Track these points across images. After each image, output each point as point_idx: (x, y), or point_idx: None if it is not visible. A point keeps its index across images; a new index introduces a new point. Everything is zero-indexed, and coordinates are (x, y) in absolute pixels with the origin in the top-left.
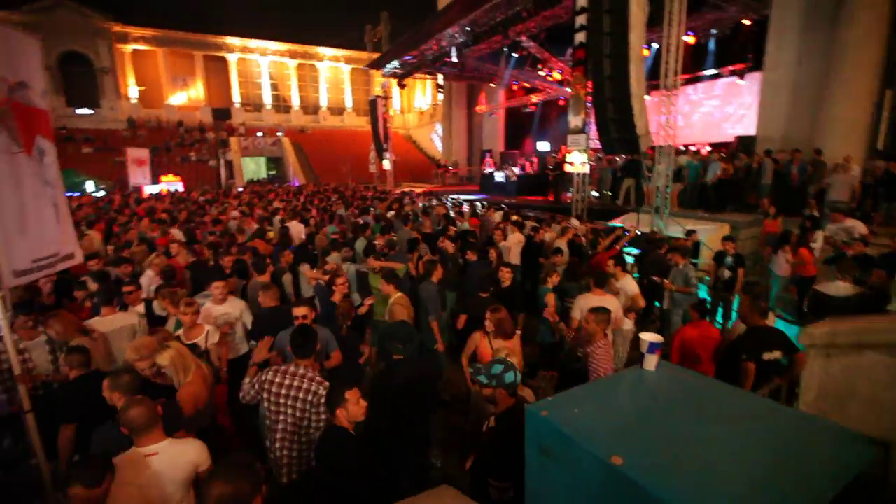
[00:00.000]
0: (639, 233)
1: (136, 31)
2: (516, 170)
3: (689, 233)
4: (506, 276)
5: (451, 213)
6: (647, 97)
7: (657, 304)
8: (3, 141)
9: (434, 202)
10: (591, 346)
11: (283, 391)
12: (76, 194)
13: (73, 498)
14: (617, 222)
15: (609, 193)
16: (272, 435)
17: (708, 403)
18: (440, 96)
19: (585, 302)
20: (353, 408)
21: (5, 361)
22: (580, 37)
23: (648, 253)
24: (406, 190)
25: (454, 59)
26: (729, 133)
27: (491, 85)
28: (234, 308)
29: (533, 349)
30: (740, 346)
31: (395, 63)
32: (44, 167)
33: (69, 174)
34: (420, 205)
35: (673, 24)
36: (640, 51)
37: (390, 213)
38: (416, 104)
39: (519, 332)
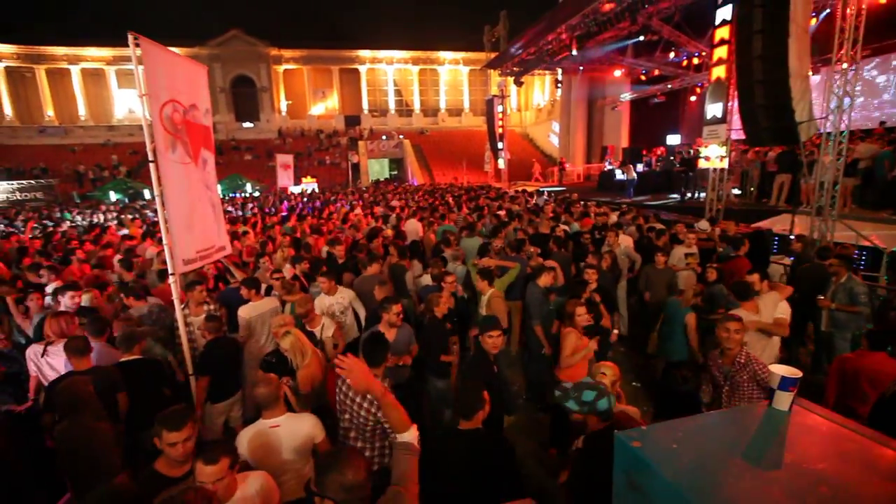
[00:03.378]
0: (792, 237)
1: (287, 53)
2: (639, 166)
3: None
4: (592, 278)
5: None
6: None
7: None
8: (179, 154)
9: (545, 200)
10: (742, 358)
11: (350, 393)
12: (239, 195)
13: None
14: (764, 225)
15: (754, 191)
16: (346, 433)
17: (860, 466)
18: (559, 92)
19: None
20: (488, 406)
21: (177, 329)
22: (724, 13)
23: (802, 261)
24: (519, 189)
25: (574, 52)
26: None
27: (615, 74)
28: (344, 297)
29: (658, 366)
30: None
31: (513, 61)
32: (206, 174)
33: (235, 178)
34: (534, 203)
35: None
36: (806, 21)
37: (501, 212)
38: (534, 101)
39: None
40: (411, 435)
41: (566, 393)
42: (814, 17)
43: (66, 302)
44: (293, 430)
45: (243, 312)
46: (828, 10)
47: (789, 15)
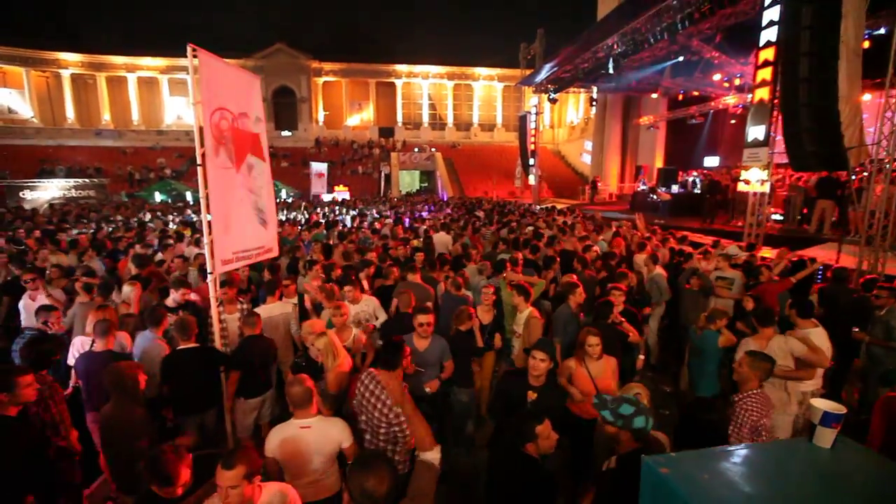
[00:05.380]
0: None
1: (327, 66)
2: (674, 187)
3: None
4: (619, 300)
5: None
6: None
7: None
8: (222, 159)
9: (575, 219)
10: (739, 395)
11: (367, 394)
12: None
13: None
14: (808, 253)
15: (799, 218)
16: (362, 434)
17: None
18: (593, 110)
19: (748, 346)
20: (545, 443)
21: (211, 325)
22: (769, 34)
23: (841, 294)
24: (549, 206)
25: (611, 71)
26: None
27: (652, 96)
28: (368, 306)
29: (688, 399)
30: None
31: (548, 78)
32: (250, 179)
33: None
34: (561, 221)
35: None
36: (858, 42)
37: (529, 229)
38: (567, 118)
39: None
40: (434, 455)
41: (604, 402)
42: (867, 38)
43: (177, 297)
44: (323, 432)
45: (258, 312)
46: (882, 31)
47: (839, 37)
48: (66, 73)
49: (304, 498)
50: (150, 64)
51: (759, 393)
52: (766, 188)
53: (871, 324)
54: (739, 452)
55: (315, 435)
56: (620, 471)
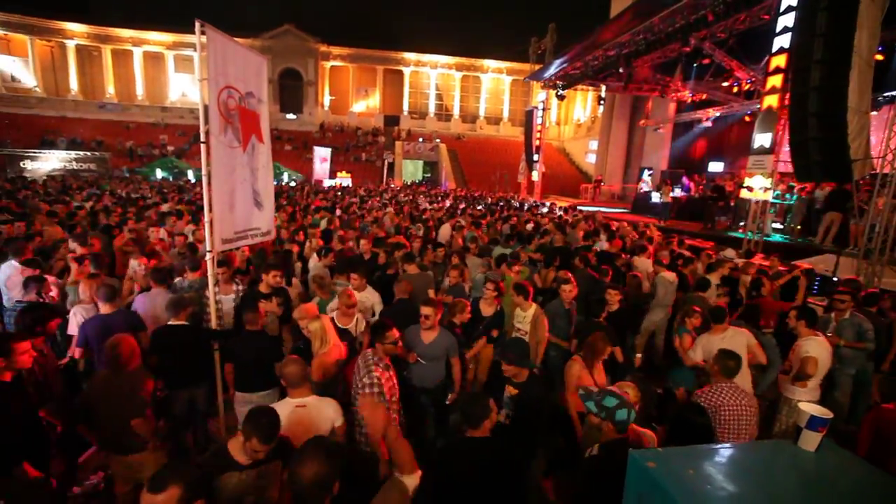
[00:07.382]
0: (835, 279)
1: (336, 50)
2: (678, 190)
3: None
4: (614, 299)
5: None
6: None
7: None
8: (229, 137)
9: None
10: (705, 388)
11: (357, 370)
12: (276, 182)
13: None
14: (804, 264)
15: (799, 228)
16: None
17: None
18: (601, 108)
19: (707, 342)
20: (494, 415)
21: (208, 306)
22: (782, 41)
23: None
24: (550, 202)
25: (620, 70)
26: None
27: (661, 97)
28: (368, 299)
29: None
30: None
31: (557, 74)
32: (253, 159)
33: (274, 166)
34: (560, 218)
35: None
36: (871, 54)
37: (529, 226)
38: (574, 116)
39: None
40: (412, 480)
41: (589, 394)
42: (881, 51)
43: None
44: (318, 411)
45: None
46: None
47: (853, 46)
48: (71, 44)
49: None
50: (157, 39)
51: (720, 387)
52: (770, 196)
53: (839, 327)
54: (725, 451)
55: (311, 414)
56: (603, 457)
